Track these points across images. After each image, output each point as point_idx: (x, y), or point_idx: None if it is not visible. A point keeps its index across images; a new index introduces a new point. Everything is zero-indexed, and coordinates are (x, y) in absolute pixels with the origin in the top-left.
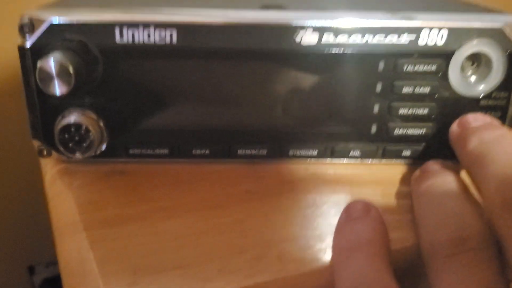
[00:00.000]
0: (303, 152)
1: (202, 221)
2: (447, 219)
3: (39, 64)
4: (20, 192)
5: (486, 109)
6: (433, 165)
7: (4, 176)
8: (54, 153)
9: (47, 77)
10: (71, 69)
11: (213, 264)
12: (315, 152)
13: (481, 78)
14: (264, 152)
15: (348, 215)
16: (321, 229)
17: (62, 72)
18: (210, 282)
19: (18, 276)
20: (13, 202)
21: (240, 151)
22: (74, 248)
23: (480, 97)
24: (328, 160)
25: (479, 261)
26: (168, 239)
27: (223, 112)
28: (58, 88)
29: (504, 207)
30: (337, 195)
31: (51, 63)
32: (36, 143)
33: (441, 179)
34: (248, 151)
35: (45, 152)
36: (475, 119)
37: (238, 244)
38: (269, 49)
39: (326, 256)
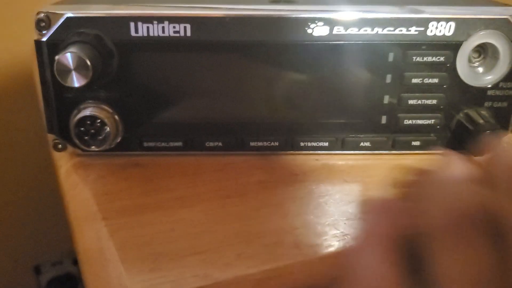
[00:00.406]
0: (314, 143)
1: (218, 210)
2: (447, 200)
3: (57, 57)
4: (26, 193)
5: (493, 99)
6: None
7: (10, 177)
8: (69, 147)
9: (65, 70)
10: (88, 62)
11: (232, 250)
12: (326, 144)
13: (488, 69)
14: (276, 143)
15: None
16: (334, 216)
17: (80, 65)
18: (231, 267)
19: (24, 276)
20: (19, 203)
21: (252, 143)
22: (93, 237)
23: (487, 88)
24: (339, 151)
25: (478, 242)
26: (186, 226)
27: (235, 105)
28: (76, 81)
29: None
30: (349, 185)
31: (68, 56)
32: (51, 137)
33: (445, 165)
34: (260, 143)
35: (60, 146)
36: None
37: (255, 231)
38: (281, 42)
39: (341, 242)
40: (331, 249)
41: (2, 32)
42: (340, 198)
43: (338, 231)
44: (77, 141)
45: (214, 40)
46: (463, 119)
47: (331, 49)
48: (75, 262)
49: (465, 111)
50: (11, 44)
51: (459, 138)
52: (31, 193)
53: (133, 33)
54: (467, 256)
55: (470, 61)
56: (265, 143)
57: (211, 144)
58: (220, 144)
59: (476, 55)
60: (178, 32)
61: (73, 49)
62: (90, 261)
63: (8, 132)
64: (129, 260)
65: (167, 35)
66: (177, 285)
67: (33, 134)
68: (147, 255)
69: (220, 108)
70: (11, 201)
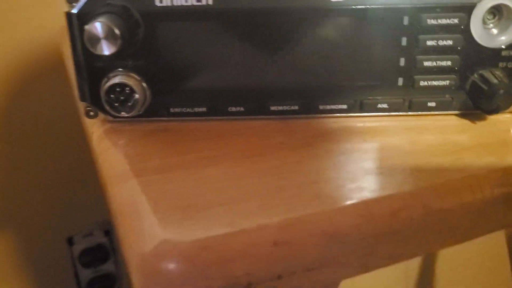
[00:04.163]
0: (333, 106)
1: (241, 167)
2: None
3: (87, 27)
4: (58, 167)
5: (507, 60)
6: None
7: (41, 152)
8: (100, 114)
9: (95, 39)
10: (116, 31)
11: (254, 201)
12: (344, 106)
13: (502, 30)
14: (295, 107)
15: None
16: (353, 172)
17: (109, 34)
18: (254, 215)
19: (58, 246)
20: (52, 177)
21: (272, 108)
22: (126, 193)
23: (501, 48)
24: (357, 113)
25: None
26: (211, 182)
27: (256, 71)
28: (106, 49)
29: None
30: (367, 144)
31: (98, 25)
32: (83, 105)
33: None
34: (280, 107)
35: (92, 113)
36: None
37: (276, 185)
38: (301, 8)
39: (359, 194)
40: (350, 201)
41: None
42: (358, 156)
43: (356, 184)
44: (108, 108)
45: (235, 8)
46: (477, 79)
47: (348, 13)
48: (106, 233)
49: (480, 72)
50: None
51: (474, 98)
52: (63, 169)
53: (157, 3)
54: None
55: (484, 22)
56: (285, 107)
57: (234, 109)
58: (242, 109)
59: (490, 16)
60: (200, 0)
61: (101, 18)
62: (123, 214)
63: (38, 106)
64: (160, 211)
65: (190, 4)
66: (206, 231)
67: (62, 108)
68: (177, 207)
69: (241, 75)
70: (45, 177)
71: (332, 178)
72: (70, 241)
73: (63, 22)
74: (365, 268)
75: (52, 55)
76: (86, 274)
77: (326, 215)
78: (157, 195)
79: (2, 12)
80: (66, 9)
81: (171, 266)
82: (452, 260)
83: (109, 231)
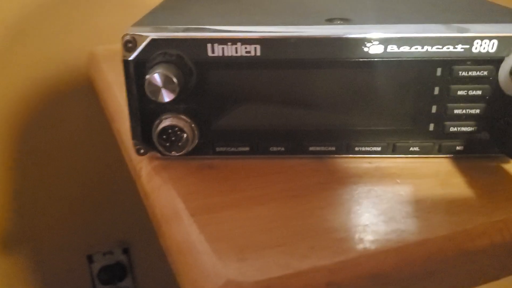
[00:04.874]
0: (368, 148)
1: (287, 208)
2: None
3: (147, 77)
4: (80, 186)
5: None
6: None
7: (64, 172)
8: (149, 151)
9: (155, 89)
10: (174, 80)
11: (306, 243)
12: (378, 148)
13: None
14: (333, 148)
15: None
16: (390, 214)
17: (167, 83)
18: (306, 258)
19: (77, 264)
20: (74, 197)
21: (311, 148)
22: (184, 231)
23: None
24: (390, 155)
25: None
26: (262, 222)
27: (297, 114)
28: (166, 96)
29: None
30: (400, 186)
31: (157, 76)
32: (134, 143)
33: None
34: (318, 148)
35: (142, 151)
36: None
37: (323, 226)
38: (341, 58)
39: (398, 236)
40: (390, 244)
41: (58, 44)
42: (392, 197)
43: (395, 227)
44: (160, 148)
45: (281, 58)
46: (503, 125)
47: (385, 65)
48: (125, 251)
49: (506, 118)
50: (67, 56)
51: (499, 143)
52: (85, 188)
53: (210, 53)
54: None
55: (511, 74)
56: (323, 148)
57: (275, 148)
58: (282, 148)
59: None
60: (249, 52)
61: (160, 69)
62: (182, 252)
63: (61, 127)
64: (219, 251)
65: (239, 54)
66: (264, 272)
67: (85, 130)
68: (234, 247)
69: (283, 117)
70: (67, 196)
71: (373, 221)
72: (90, 259)
73: (91, 47)
74: None
75: (80, 79)
76: None
77: (371, 258)
78: (214, 234)
79: (33, 38)
80: (123, 55)
81: None
82: None
83: (127, 249)
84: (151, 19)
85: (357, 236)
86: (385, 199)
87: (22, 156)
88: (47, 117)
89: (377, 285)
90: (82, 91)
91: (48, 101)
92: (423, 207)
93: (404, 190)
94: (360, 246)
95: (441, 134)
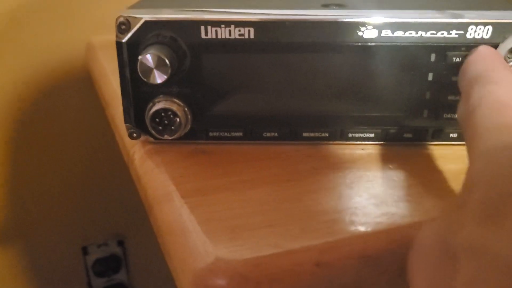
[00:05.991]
0: (361, 134)
1: (280, 191)
2: None
3: (140, 57)
4: (75, 178)
5: None
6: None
7: (59, 163)
8: (142, 135)
9: (148, 69)
10: (167, 61)
11: (297, 225)
12: (371, 135)
13: None
14: (326, 134)
15: None
16: (382, 197)
17: (160, 64)
18: (297, 238)
19: (72, 256)
20: (69, 189)
21: (305, 134)
22: (175, 212)
23: None
24: (383, 141)
25: None
26: (254, 204)
27: (290, 99)
28: (158, 78)
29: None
30: (392, 172)
31: (149, 56)
32: (127, 127)
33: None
34: (312, 134)
35: (135, 135)
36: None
37: (314, 209)
38: (334, 43)
39: (389, 219)
40: (381, 226)
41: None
42: (385, 182)
43: (386, 210)
44: (152, 131)
45: (275, 42)
46: None
47: (379, 49)
48: (120, 244)
49: None
50: (65, 47)
51: None
52: (80, 180)
53: (203, 36)
54: None
55: (505, 60)
56: (317, 134)
57: (268, 134)
58: (276, 134)
59: (511, 55)
60: (243, 34)
61: (152, 50)
62: (173, 232)
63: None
64: (210, 231)
65: (233, 37)
66: (254, 251)
67: (81, 121)
68: (225, 228)
69: (276, 102)
70: (62, 188)
71: (364, 204)
72: (85, 251)
73: (89, 37)
74: None
75: (78, 69)
76: (99, 283)
77: (361, 238)
78: (205, 215)
79: (31, 28)
80: (116, 38)
81: (225, 282)
82: None
83: (122, 241)
84: (146, 2)
85: (347, 218)
86: (377, 184)
87: (16, 147)
88: (43, 107)
89: (367, 266)
90: (80, 81)
91: (45, 91)
92: (415, 192)
93: (397, 176)
94: (351, 228)
95: (435, 120)
